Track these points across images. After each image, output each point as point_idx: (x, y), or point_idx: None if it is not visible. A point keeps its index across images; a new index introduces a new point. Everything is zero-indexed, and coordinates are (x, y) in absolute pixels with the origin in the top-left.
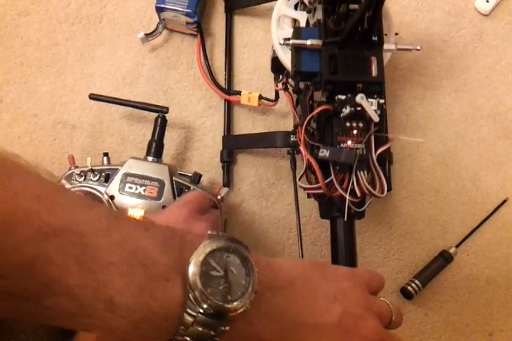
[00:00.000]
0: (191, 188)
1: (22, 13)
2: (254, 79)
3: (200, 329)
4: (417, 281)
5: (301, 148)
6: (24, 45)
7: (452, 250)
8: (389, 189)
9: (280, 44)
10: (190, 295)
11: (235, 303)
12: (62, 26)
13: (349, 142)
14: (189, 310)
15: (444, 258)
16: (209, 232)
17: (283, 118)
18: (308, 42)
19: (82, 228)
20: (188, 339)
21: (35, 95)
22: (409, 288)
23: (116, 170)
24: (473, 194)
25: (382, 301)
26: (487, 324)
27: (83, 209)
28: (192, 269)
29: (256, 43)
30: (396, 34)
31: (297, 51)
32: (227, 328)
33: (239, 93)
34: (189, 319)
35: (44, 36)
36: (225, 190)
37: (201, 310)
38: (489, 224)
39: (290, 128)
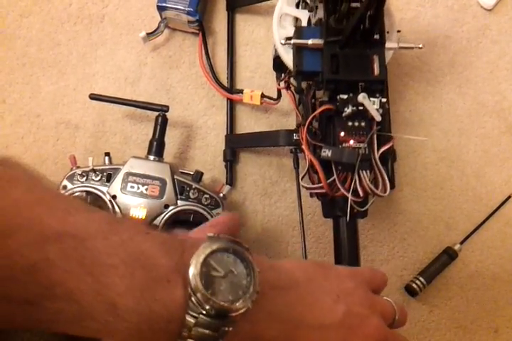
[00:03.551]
0: (193, 186)
1: (24, 14)
2: (256, 77)
3: (202, 330)
4: (421, 278)
5: (304, 148)
6: (26, 46)
7: (457, 247)
8: (392, 187)
9: (281, 44)
10: (191, 296)
11: (237, 303)
12: (64, 26)
13: (351, 141)
14: (191, 312)
15: (448, 255)
16: (209, 234)
17: (285, 116)
18: (310, 41)
19: (83, 232)
20: None
21: (38, 95)
22: (413, 285)
23: (117, 170)
24: (478, 190)
25: (385, 300)
26: (492, 321)
27: (83, 214)
28: (192, 270)
29: (258, 41)
30: (398, 31)
31: (299, 51)
32: (230, 329)
33: (241, 91)
34: (191, 320)
35: (46, 37)
36: (227, 187)
37: (203, 311)
38: (494, 220)
39: (293, 126)
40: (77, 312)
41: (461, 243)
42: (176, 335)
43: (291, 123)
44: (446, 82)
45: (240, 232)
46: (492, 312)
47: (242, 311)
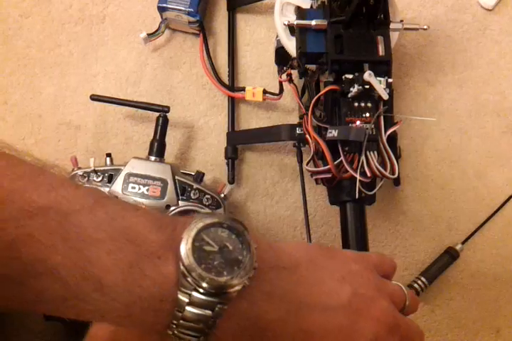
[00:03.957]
0: (194, 187)
1: (24, 15)
2: (257, 77)
3: (196, 310)
4: (423, 278)
5: (309, 130)
6: (27, 47)
7: (458, 247)
8: (398, 183)
9: (284, 25)
10: (183, 272)
11: (232, 279)
12: (65, 27)
13: (358, 122)
14: (183, 289)
15: (450, 255)
16: (202, 211)
17: (287, 114)
18: (313, 22)
19: (66, 206)
20: (184, 323)
21: (39, 96)
22: (415, 285)
23: (118, 171)
24: (479, 190)
25: (395, 284)
26: (494, 320)
27: (68, 189)
28: (184, 245)
29: (259, 41)
30: (401, 21)
31: (302, 32)
32: (225, 307)
33: (243, 89)
34: (184, 299)
35: (47, 37)
36: (228, 187)
37: (197, 288)
38: (495, 220)
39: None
40: (62, 290)
41: (463, 243)
42: (169, 315)
43: (293, 120)
44: (447, 82)
45: None
46: (494, 312)
47: (238, 288)
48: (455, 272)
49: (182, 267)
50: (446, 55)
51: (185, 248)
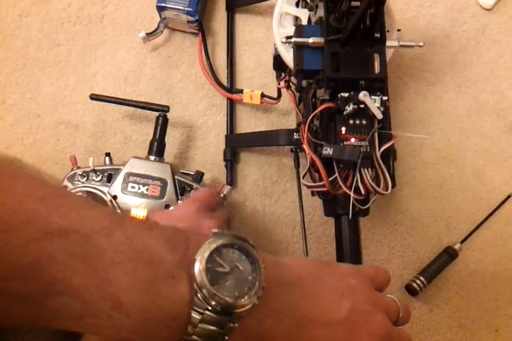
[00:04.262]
0: (194, 187)
1: (23, 14)
2: (256, 76)
3: (208, 327)
4: (421, 278)
5: (305, 146)
6: (26, 47)
7: (457, 246)
8: (393, 186)
9: (282, 42)
10: (197, 292)
11: (243, 299)
12: (64, 27)
13: (353, 139)
14: (196, 308)
15: (448, 255)
16: (214, 230)
17: (285, 116)
18: (311, 40)
19: (86, 228)
20: (196, 338)
21: (38, 96)
22: (414, 284)
23: (118, 170)
24: (478, 189)
25: (390, 297)
26: (493, 320)
27: (87, 210)
28: (198, 266)
29: (257, 41)
30: (398, 30)
31: (299, 49)
32: (235, 325)
33: (241, 91)
34: (197, 317)
35: (45, 37)
36: (227, 188)
37: (209, 307)
38: (494, 219)
39: (293, 126)
40: (81, 308)
41: (462, 242)
42: (181, 332)
43: (291, 122)
44: (446, 81)
45: (240, 232)
46: (493, 311)
47: (248, 307)
48: (454, 271)
49: (196, 287)
50: (446, 54)
51: (198, 269)
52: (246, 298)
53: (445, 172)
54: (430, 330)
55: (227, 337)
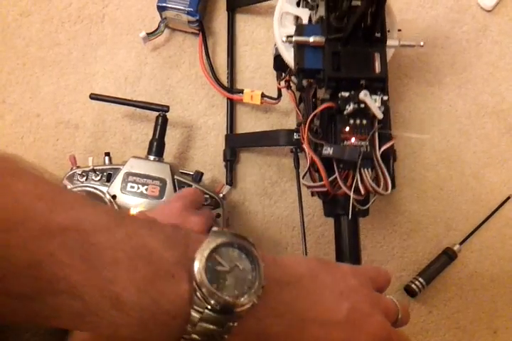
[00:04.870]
0: (193, 187)
1: (24, 14)
2: (256, 77)
3: (207, 326)
4: (420, 279)
5: (305, 146)
6: (26, 46)
7: (456, 247)
8: (393, 186)
9: (283, 41)
10: (196, 291)
11: (242, 298)
12: (64, 26)
13: (353, 139)
14: (196, 307)
15: (447, 256)
16: (214, 229)
17: (285, 116)
18: (311, 39)
19: (86, 226)
20: (196, 337)
21: (38, 95)
22: (413, 285)
23: (117, 170)
24: (477, 191)
25: (389, 299)
26: (491, 321)
27: (86, 208)
28: (197, 265)
29: (258, 41)
30: (399, 30)
31: (300, 48)
32: (235, 324)
33: (241, 91)
34: (196, 315)
35: (46, 36)
36: (226, 188)
37: (208, 306)
38: (493, 221)
39: (293, 126)
40: (80, 307)
41: (461, 243)
42: (180, 330)
43: (291, 122)
44: (446, 82)
45: (240, 232)
46: (491, 312)
47: (247, 306)
48: (453, 273)
49: (196, 286)
50: (446, 55)
51: (198, 268)
52: (246, 296)
53: (445, 174)
54: (429, 331)
55: (226, 336)
